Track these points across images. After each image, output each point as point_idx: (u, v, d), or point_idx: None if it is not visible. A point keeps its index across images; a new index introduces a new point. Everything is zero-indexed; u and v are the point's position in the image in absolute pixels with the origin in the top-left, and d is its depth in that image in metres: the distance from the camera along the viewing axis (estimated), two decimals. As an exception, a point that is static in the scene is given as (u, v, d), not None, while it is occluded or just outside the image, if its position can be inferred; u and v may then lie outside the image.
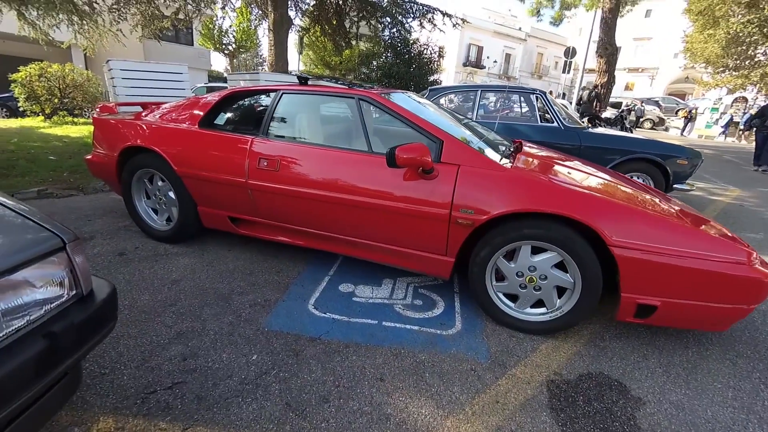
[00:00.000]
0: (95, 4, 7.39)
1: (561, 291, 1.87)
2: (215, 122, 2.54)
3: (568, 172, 2.18)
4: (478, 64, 33.32)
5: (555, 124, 4.14)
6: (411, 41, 10.91)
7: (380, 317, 1.99)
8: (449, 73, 30.09)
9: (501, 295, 1.97)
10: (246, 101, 2.69)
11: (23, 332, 0.86)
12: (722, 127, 17.59)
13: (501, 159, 2.03)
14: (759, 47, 17.00)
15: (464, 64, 32.62)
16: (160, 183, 2.65)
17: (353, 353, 1.70)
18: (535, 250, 1.82)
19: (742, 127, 12.98)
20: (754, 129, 8.17)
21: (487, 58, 33.88)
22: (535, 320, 1.91)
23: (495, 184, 1.82)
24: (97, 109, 3.04)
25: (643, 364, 1.75)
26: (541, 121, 4.20)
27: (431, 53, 11.26)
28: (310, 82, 2.52)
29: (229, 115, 2.58)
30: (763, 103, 20.66)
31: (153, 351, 1.63)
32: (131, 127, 2.68)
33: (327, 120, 2.66)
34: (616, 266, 1.68)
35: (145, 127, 2.62)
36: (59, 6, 6.87)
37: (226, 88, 10.98)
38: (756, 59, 17.41)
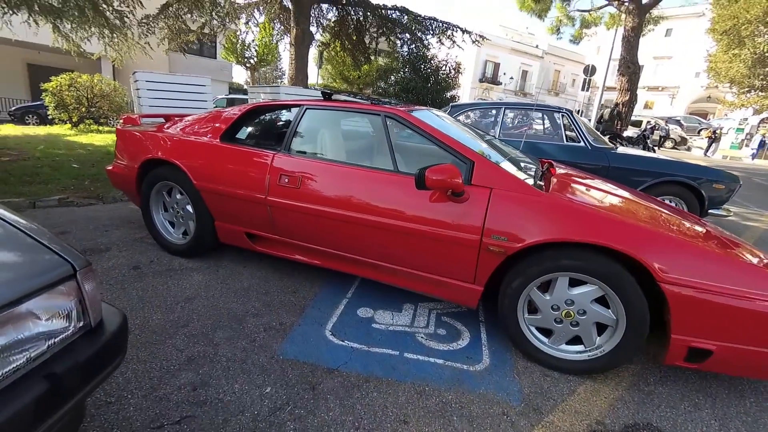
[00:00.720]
0: (126, 18, 7.66)
1: (601, 328, 1.71)
2: (237, 136, 2.50)
3: (608, 198, 2.04)
4: (494, 81, 33.39)
5: (581, 143, 4.00)
6: (429, 57, 10.96)
7: (402, 347, 1.86)
8: (465, 89, 30.18)
9: (534, 329, 1.82)
10: (268, 116, 2.65)
11: (22, 372, 0.78)
12: (752, 148, 16.99)
13: (535, 182, 1.90)
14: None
15: (480, 80, 32.72)
16: (178, 196, 2.61)
17: (374, 389, 1.57)
18: (574, 282, 1.68)
19: None
20: None
21: (504, 74, 33.96)
22: (571, 358, 1.75)
23: (531, 210, 1.69)
24: (121, 120, 3.05)
25: (695, 415, 1.57)
26: (566, 141, 4.06)
27: (449, 69, 11.27)
28: (335, 97, 2.46)
29: (250, 129, 2.54)
30: (791, 125, 19.95)
31: (162, 378, 1.53)
32: (152, 140, 2.66)
33: (350, 136, 2.60)
34: (666, 305, 1.52)
35: (166, 140, 2.59)
36: (92, 19, 7.14)
37: (246, 100, 11.13)
38: (777, 79, 16.93)
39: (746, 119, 23.68)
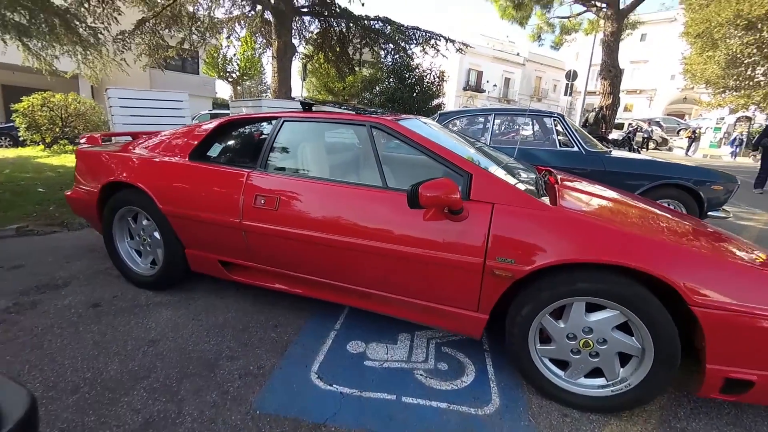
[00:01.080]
0: (100, 35, 7.39)
1: (625, 358, 1.51)
2: (208, 154, 2.26)
3: (618, 208, 1.86)
4: (478, 89, 33.84)
5: (575, 148, 3.86)
6: (413, 66, 10.91)
7: (399, 389, 1.62)
8: (450, 98, 30.46)
9: (547, 361, 1.60)
10: (243, 130, 2.42)
11: None
12: (731, 146, 17.37)
13: (538, 194, 1.71)
14: (758, 68, 17.07)
15: (464, 89, 33.12)
16: (144, 222, 2.35)
17: (369, 448, 1.33)
18: (591, 307, 1.48)
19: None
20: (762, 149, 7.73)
21: (487, 82, 34.48)
22: (592, 394, 1.53)
23: (540, 227, 1.49)
24: (82, 140, 2.79)
25: (739, 457, 1.37)
26: (560, 146, 3.93)
27: (434, 78, 11.23)
28: (314, 108, 2.25)
29: (223, 145, 2.31)
30: (764, 122, 20.54)
31: (111, 450, 1.27)
32: (115, 160, 2.41)
33: (333, 150, 2.39)
34: (699, 331, 1.33)
35: (129, 160, 2.34)
36: (63, 37, 6.86)
37: (229, 114, 10.86)
38: (756, 80, 17.46)
39: (723, 118, 24.36)
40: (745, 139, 17.64)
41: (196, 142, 2.24)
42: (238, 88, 17.74)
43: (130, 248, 2.49)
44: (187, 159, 2.19)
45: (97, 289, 2.40)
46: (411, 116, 2.28)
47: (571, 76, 16.10)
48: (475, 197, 1.60)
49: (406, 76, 10.90)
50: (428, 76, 11.16)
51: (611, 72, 11.78)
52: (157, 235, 2.29)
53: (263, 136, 2.15)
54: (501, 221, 1.52)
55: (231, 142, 2.36)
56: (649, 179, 3.62)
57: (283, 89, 8.51)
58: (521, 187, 1.70)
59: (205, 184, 2.07)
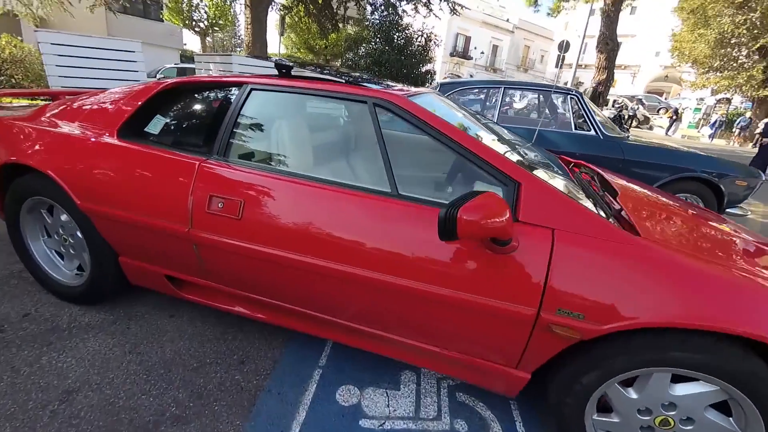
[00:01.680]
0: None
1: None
2: (146, 130, 1.65)
3: (704, 231, 1.43)
4: (465, 55, 32.59)
5: (592, 132, 3.42)
6: (403, 26, 9.98)
7: (408, 470, 1.21)
8: (436, 64, 29.20)
9: (604, 435, 1.22)
10: (194, 100, 1.79)
11: None
12: (711, 128, 17.57)
13: (608, 213, 1.26)
14: (744, 49, 17.02)
15: (452, 54, 31.78)
16: (63, 217, 1.75)
17: None
18: (677, 376, 1.08)
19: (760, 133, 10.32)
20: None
21: (474, 48, 33.24)
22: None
23: (623, 269, 1.04)
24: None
25: None
26: (575, 128, 3.47)
27: (424, 40, 10.36)
28: (294, 73, 1.66)
29: (166, 120, 1.68)
30: (740, 105, 20.83)
31: None
32: (14, 131, 1.75)
33: (321, 134, 1.82)
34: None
35: (34, 134, 1.70)
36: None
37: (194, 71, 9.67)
38: (740, 62, 17.46)
39: (702, 99, 24.65)
40: (725, 122, 17.85)
41: (128, 113, 1.62)
42: (207, 39, 16.05)
43: (48, 248, 1.90)
44: (115, 137, 1.58)
45: (6, 302, 1.82)
46: (423, 90, 1.73)
47: (564, 47, 15.46)
48: (525, 218, 1.13)
49: (395, 36, 9.98)
50: (418, 39, 10.28)
51: (608, 45, 11.25)
52: (80, 235, 1.71)
53: (223, 110, 1.56)
54: (565, 256, 1.06)
55: (177, 116, 1.73)
56: (671, 171, 3.26)
57: (258, 44, 7.53)
58: (588, 205, 1.23)
59: (138, 174, 1.48)
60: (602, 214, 1.20)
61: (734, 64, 17.82)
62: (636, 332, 1.03)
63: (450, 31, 30.65)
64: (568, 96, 3.48)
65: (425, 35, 10.42)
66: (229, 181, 1.38)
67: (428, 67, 10.61)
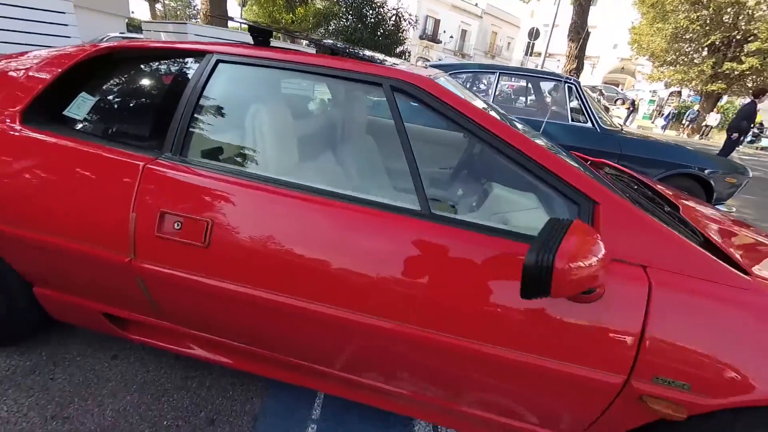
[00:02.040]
0: None
1: None
2: (65, 114, 1.18)
3: None
4: (434, 39, 32.18)
5: (588, 124, 3.25)
6: (377, 3, 9.40)
7: None
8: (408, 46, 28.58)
9: None
10: (137, 74, 1.33)
11: None
12: (665, 120, 18.60)
13: (698, 240, 1.00)
14: (693, 44, 17.96)
15: (421, 37, 31.21)
16: (-52, 232, 1.26)
17: None
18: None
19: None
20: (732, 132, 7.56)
21: (444, 32, 32.90)
22: None
23: (738, 324, 0.79)
24: None
25: None
26: (571, 120, 3.28)
27: (399, 20, 9.86)
28: (275, 44, 1.25)
29: (95, 101, 1.22)
30: (689, 98, 22.20)
31: None
32: None
33: (317, 128, 1.43)
34: None
35: None
36: None
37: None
38: (691, 57, 18.47)
39: (655, 91, 26.08)
40: (676, 113, 18.96)
41: (37, 89, 1.14)
42: (158, 6, 14.45)
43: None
44: (17, 122, 1.11)
45: None
46: (433, 70, 1.39)
47: (534, 34, 15.50)
48: (609, 252, 0.84)
49: (368, 13, 9.39)
50: (392, 17, 9.75)
51: (579, 34, 11.34)
52: (-24, 256, 1.24)
53: (178, 89, 1.13)
54: (667, 305, 0.79)
55: (112, 95, 1.26)
56: (665, 167, 3.16)
57: (217, 12, 6.73)
58: (678, 229, 0.96)
59: (52, 178, 1.04)
60: (695, 243, 0.94)
61: (686, 59, 18.82)
62: (748, 409, 0.79)
63: (420, 13, 29.98)
64: (566, 84, 3.26)
65: (398, 13, 9.92)
66: (189, 191, 0.99)
67: (402, 47, 10.14)
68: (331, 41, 1.32)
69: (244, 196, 0.96)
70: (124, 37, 11.82)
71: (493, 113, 1.09)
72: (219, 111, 1.13)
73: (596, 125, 3.21)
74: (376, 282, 0.88)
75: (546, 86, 3.46)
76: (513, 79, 3.78)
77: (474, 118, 0.95)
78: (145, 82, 1.29)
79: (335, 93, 1.60)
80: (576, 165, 0.97)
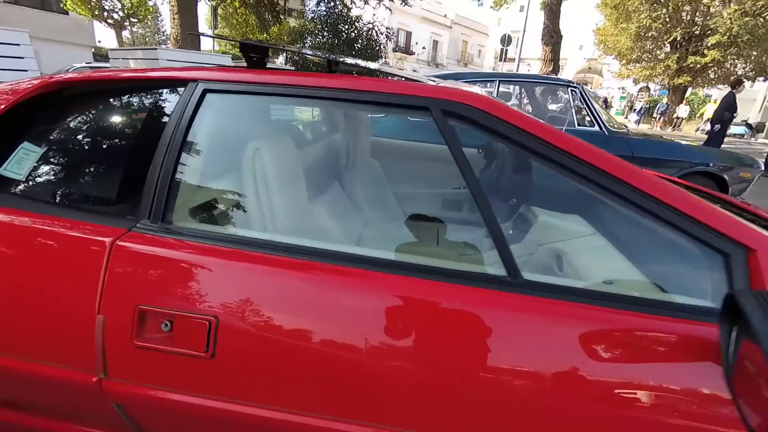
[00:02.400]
0: None
1: None
2: (0, 173, 0.88)
3: None
4: (407, 50, 32.69)
5: (596, 128, 3.10)
6: (353, 19, 9.32)
7: None
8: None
9: None
10: (99, 114, 1.04)
11: None
12: (637, 115, 19.23)
13: None
14: (657, 41, 18.72)
15: (394, 50, 31.61)
16: None
17: None
18: None
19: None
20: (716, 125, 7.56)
21: (416, 44, 33.51)
22: None
23: None
24: None
25: None
26: (577, 125, 3.12)
27: (376, 34, 9.79)
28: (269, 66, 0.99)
29: (41, 153, 0.92)
30: (656, 93, 23.09)
31: None
32: None
33: (351, 169, 1.16)
34: None
35: None
36: None
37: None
38: (656, 53, 19.23)
39: (624, 88, 27.04)
40: (647, 108, 19.65)
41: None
42: (125, 34, 14.04)
43: None
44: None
45: None
46: (474, 86, 1.15)
47: (506, 40, 15.76)
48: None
49: (344, 29, 9.28)
50: (369, 31, 9.68)
51: (553, 37, 11.55)
52: None
53: (155, 131, 0.85)
54: None
55: (65, 146, 0.96)
56: (680, 166, 3.03)
57: (188, 37, 6.45)
58: None
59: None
60: None
61: (651, 56, 19.58)
62: None
63: (391, 26, 30.45)
64: (569, 88, 3.12)
65: (374, 27, 9.86)
66: (180, 274, 0.70)
67: (383, 61, 10.06)
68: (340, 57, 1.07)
69: (264, 277, 0.69)
70: (90, 67, 11.37)
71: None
72: (211, 156, 0.86)
73: (603, 128, 3.07)
74: (461, 379, 0.62)
75: (548, 92, 3.31)
76: (520, 86, 3.63)
77: (562, 146, 0.71)
78: (110, 124, 1.00)
79: (352, 122, 1.34)
80: (704, 198, 0.73)
